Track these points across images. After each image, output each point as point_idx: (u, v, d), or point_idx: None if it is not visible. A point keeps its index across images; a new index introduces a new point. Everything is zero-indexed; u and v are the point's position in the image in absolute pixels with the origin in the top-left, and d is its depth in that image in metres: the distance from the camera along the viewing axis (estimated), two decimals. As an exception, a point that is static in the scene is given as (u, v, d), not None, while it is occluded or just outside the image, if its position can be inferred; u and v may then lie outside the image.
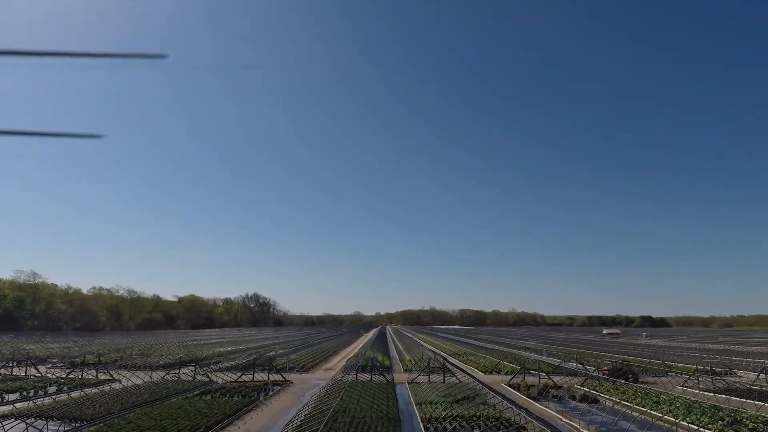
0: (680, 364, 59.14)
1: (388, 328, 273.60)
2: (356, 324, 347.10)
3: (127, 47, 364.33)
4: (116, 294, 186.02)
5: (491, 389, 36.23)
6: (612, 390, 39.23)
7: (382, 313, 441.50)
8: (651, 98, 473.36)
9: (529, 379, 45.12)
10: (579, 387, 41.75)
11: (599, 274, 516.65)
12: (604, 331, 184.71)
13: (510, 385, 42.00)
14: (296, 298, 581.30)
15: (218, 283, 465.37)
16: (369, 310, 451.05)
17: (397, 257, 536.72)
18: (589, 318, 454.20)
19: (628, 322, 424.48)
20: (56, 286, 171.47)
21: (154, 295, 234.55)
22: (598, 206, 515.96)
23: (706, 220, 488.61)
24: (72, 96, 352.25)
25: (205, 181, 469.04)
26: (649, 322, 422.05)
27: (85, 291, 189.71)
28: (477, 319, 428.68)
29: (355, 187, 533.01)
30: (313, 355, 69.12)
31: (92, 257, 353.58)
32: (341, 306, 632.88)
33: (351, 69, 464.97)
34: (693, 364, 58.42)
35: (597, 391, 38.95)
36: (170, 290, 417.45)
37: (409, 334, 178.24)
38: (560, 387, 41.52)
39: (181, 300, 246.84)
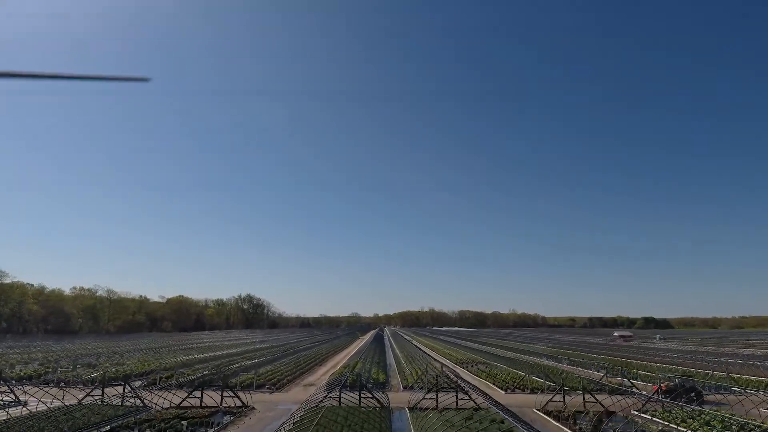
0: (744, 376, 48.25)
1: (386, 330, 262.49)
2: (353, 326, 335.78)
3: (124, 45, 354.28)
4: (96, 294, 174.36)
5: (527, 425, 25.44)
6: (689, 420, 28.43)
7: (380, 314, 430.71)
8: (654, 100, 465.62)
9: (569, 402, 34.27)
10: (638, 413, 30.98)
11: (598, 274, 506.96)
12: (615, 334, 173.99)
13: (547, 412, 31.11)
14: (292, 300, 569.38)
15: (211, 284, 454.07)
16: (367, 312, 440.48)
17: (395, 257, 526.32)
18: (590, 319, 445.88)
19: (630, 323, 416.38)
20: (32, 285, 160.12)
21: (140, 295, 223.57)
22: (598, 206, 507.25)
23: (707, 221, 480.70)
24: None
25: (198, 180, 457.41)
26: (651, 323, 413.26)
27: (66, 292, 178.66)
28: (477, 321, 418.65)
29: (353, 186, 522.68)
30: (296, 364, 58.15)
31: (79, 258, 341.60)
32: (339, 307, 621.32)
33: (349, 68, 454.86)
34: (762, 377, 47.71)
35: (673, 423, 28.10)
36: (162, 292, 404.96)
37: (407, 337, 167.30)
38: (612, 413, 30.81)
39: (169, 301, 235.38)
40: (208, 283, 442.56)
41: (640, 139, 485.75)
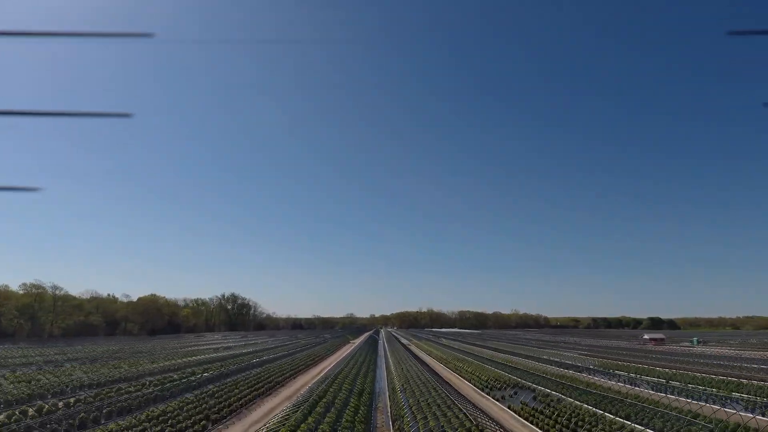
0: None
1: (382, 332, 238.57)
2: (348, 327, 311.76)
3: (123, 51, 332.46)
4: (37, 291, 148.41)
5: None
6: None
7: (377, 315, 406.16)
8: (657, 102, 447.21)
9: None
10: None
11: (598, 275, 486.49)
12: (645, 336, 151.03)
13: None
14: (287, 300, 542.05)
15: (200, 285, 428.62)
16: (363, 312, 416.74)
17: (392, 257, 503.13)
18: (594, 320, 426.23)
19: (635, 323, 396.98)
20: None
21: (109, 294, 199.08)
22: (599, 207, 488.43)
23: (709, 221, 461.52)
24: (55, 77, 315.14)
25: (191, 179, 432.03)
26: (658, 323, 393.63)
27: (14, 288, 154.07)
28: (477, 321, 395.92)
29: (350, 185, 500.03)
30: (223, 399, 34.64)
31: (47, 256, 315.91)
32: (334, 308, 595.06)
33: (350, 70, 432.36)
34: None
35: None
36: (144, 293, 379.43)
37: (405, 341, 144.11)
38: None
39: (140, 300, 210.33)
40: (197, 284, 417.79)
41: (642, 141, 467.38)
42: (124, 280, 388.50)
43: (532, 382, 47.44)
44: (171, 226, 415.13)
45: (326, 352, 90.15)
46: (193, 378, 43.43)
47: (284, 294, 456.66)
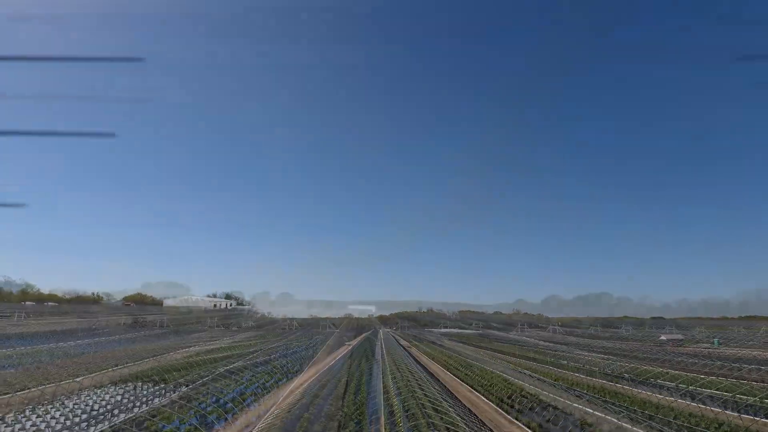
0: None
1: (380, 332, 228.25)
2: (345, 327, 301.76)
3: (124, 51, 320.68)
4: (25, 288, 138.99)
5: None
6: None
7: (376, 315, 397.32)
8: (657, 104, 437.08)
9: None
10: None
11: (600, 274, 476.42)
12: (662, 337, 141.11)
13: None
14: (284, 300, 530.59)
15: (195, 284, 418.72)
16: (361, 312, 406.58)
17: (392, 257, 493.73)
18: (596, 319, 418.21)
19: (638, 323, 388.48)
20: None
21: (93, 293, 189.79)
22: (600, 206, 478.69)
23: (709, 220, 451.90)
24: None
25: (187, 178, 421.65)
26: (661, 323, 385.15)
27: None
28: (479, 321, 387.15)
29: (349, 185, 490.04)
30: None
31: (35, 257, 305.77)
32: (332, 308, 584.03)
33: (350, 69, 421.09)
34: None
35: None
36: (140, 291, 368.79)
37: (405, 342, 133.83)
38: None
39: (125, 299, 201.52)
40: (192, 283, 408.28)
41: (640, 138, 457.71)
42: (121, 281, 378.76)
43: (568, 399, 37.35)
44: (168, 226, 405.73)
45: (315, 356, 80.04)
46: (130, 398, 33.21)
47: (281, 294, 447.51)
